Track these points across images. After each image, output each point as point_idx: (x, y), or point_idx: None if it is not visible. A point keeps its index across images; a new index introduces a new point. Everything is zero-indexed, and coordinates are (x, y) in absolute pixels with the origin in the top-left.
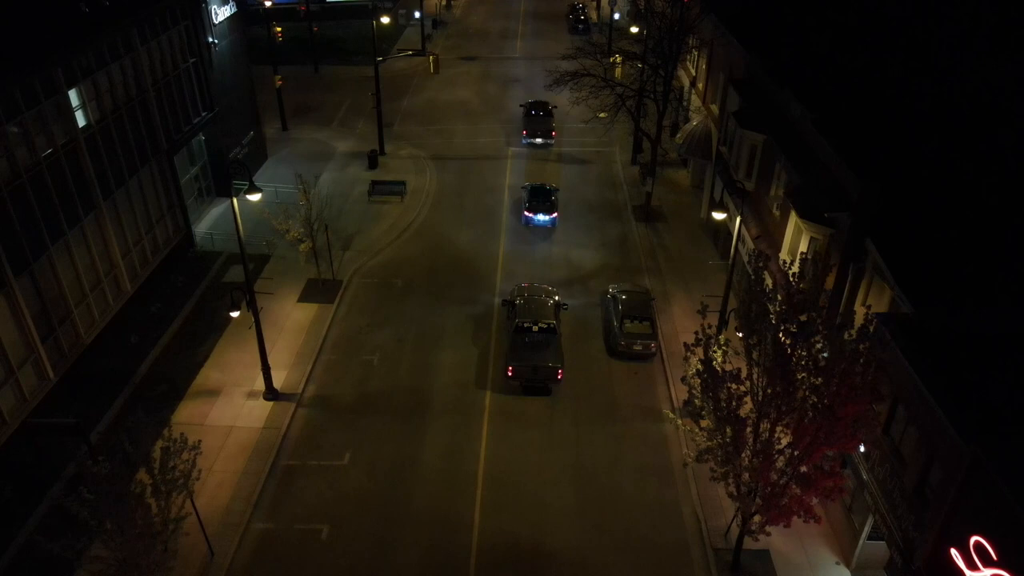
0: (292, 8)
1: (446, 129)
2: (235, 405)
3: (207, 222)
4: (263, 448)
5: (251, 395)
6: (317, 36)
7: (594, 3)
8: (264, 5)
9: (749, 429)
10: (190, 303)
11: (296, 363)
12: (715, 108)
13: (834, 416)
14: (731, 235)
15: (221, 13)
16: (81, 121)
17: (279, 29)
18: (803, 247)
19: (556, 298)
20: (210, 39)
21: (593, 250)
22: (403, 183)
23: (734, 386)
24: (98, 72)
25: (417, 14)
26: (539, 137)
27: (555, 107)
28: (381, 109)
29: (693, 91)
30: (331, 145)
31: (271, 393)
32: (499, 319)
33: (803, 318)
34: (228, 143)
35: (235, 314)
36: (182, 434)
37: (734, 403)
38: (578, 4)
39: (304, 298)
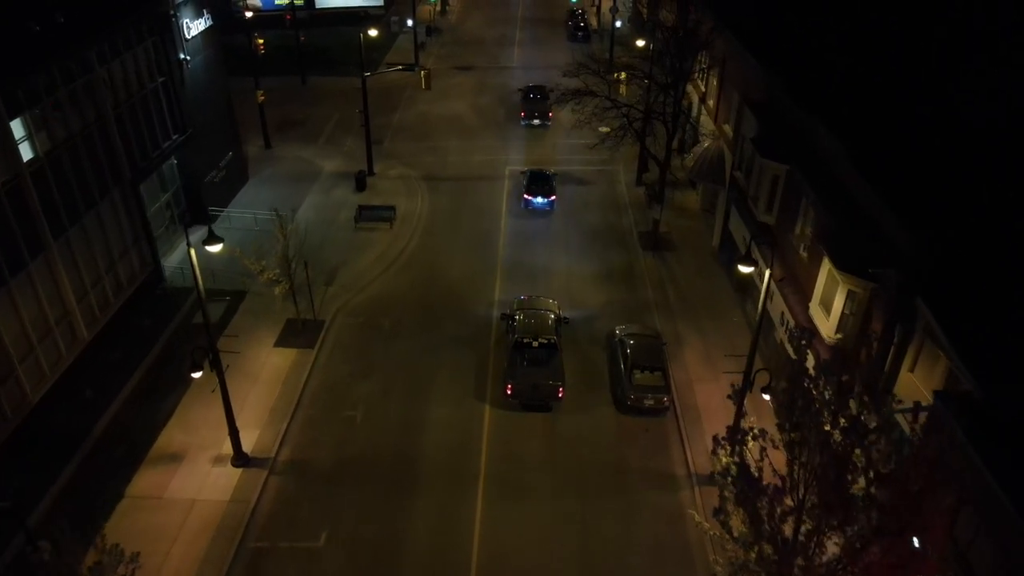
0: (279, 16)
1: (439, 146)
2: (199, 473)
3: (180, 253)
4: (229, 526)
5: (218, 460)
6: (304, 45)
7: (594, 8)
8: (245, 16)
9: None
10: (156, 348)
11: (270, 420)
12: (728, 129)
13: (902, 538)
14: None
15: (194, 27)
16: (27, 154)
17: (261, 41)
18: (839, 302)
19: (557, 312)
20: (181, 56)
21: (597, 283)
22: (392, 208)
23: (779, 507)
24: (48, 98)
25: (410, 22)
26: (536, 119)
27: (552, 90)
28: (369, 126)
29: (703, 108)
30: (317, 164)
31: (240, 459)
32: (495, 368)
33: (854, 405)
34: (203, 166)
35: (197, 375)
36: (117, 545)
37: (777, 521)
38: (577, 10)
39: (282, 341)
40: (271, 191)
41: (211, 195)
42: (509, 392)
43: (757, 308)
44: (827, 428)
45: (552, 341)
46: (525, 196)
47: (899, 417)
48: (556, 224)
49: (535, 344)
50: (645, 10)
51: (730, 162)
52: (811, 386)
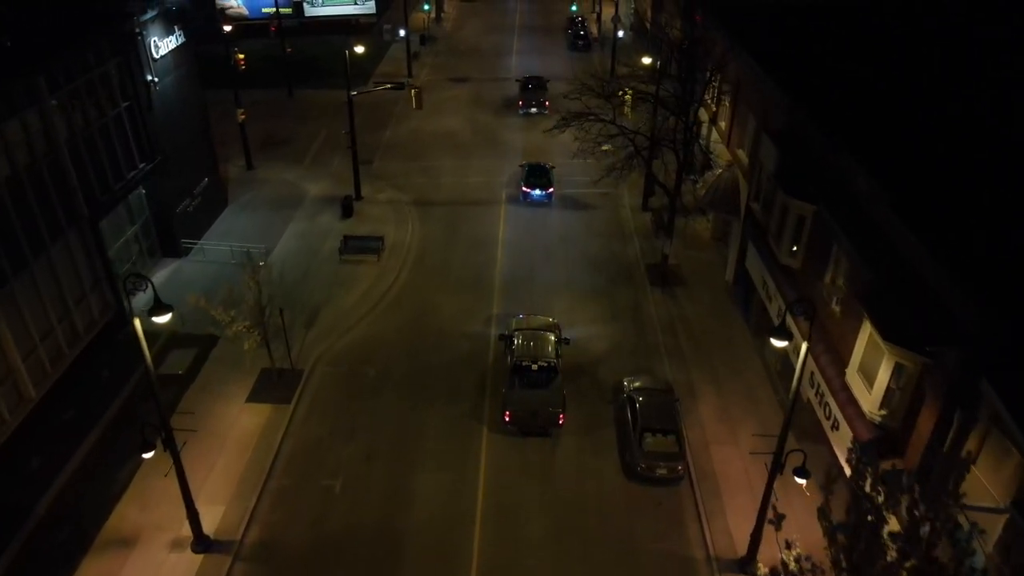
0: (264, 25)
1: (432, 166)
2: (154, 560)
3: (148, 291)
4: None
5: (176, 544)
6: (291, 56)
7: (595, 14)
8: (223, 29)
9: None
10: (115, 405)
11: (237, 494)
12: (743, 155)
13: None
14: (765, 307)
15: (164, 45)
16: None
17: (241, 56)
18: (884, 374)
19: (557, 332)
20: (149, 77)
21: (602, 325)
22: (380, 239)
23: None
24: None
25: (402, 32)
26: (534, 107)
27: (549, 80)
28: (356, 148)
29: (713, 128)
30: (301, 188)
31: (201, 543)
32: (489, 426)
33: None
34: (176, 195)
35: (148, 455)
36: None
37: None
38: (577, 18)
39: (255, 395)
40: (251, 218)
41: (184, 225)
42: (507, 419)
43: (778, 355)
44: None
45: (552, 364)
46: (523, 188)
47: (963, 519)
48: (557, 254)
49: (534, 367)
50: (649, 22)
51: (746, 191)
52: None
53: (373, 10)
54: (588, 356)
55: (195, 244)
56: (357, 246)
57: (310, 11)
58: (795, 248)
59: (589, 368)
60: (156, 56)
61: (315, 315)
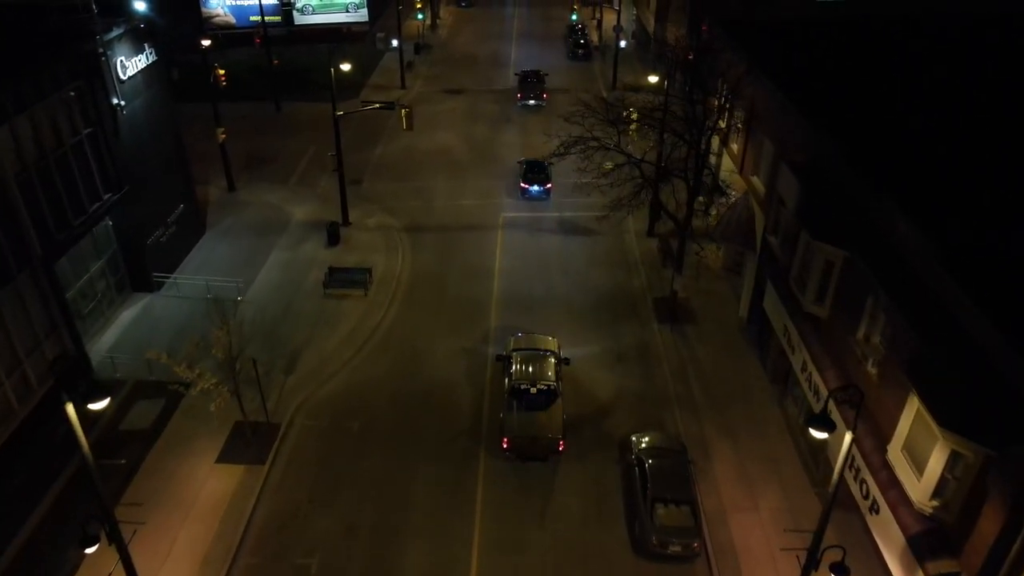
0: (251, 34)
1: (425, 187)
2: None
3: (116, 330)
4: None
5: None
6: (279, 68)
7: (595, 21)
8: (201, 44)
9: None
10: (69, 469)
11: None
12: (758, 183)
13: None
14: (784, 351)
15: (132, 65)
16: None
17: (222, 72)
18: (936, 461)
19: (557, 352)
20: (115, 101)
21: (607, 368)
22: (367, 271)
23: None
24: None
25: (395, 42)
26: (532, 99)
27: (547, 74)
28: (343, 171)
29: (724, 150)
30: (285, 211)
31: None
32: (484, 489)
33: None
34: (147, 225)
35: (91, 550)
36: None
37: None
38: (577, 25)
39: (227, 455)
40: (231, 247)
41: (157, 257)
42: (505, 446)
43: (799, 405)
44: None
45: (552, 387)
46: (521, 184)
47: None
48: (558, 287)
49: (533, 391)
50: (653, 33)
51: (762, 223)
52: None
53: (366, 18)
54: (592, 405)
55: (168, 278)
56: (343, 279)
57: (300, 19)
58: (822, 296)
59: (593, 419)
60: (123, 77)
61: (295, 359)
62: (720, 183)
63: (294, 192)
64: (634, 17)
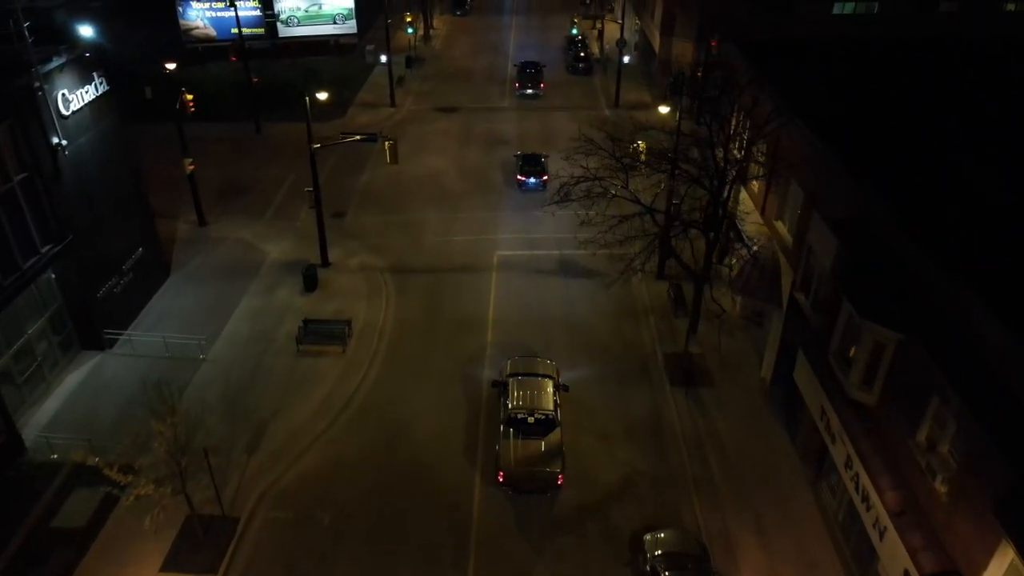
0: (234, 46)
1: (414, 220)
2: None
3: (58, 399)
4: None
5: None
6: (260, 85)
7: (596, 30)
8: (165, 68)
9: None
10: None
11: None
12: (783, 229)
13: None
14: (818, 430)
15: (77, 98)
16: None
17: (190, 97)
18: None
19: (556, 378)
20: (56, 140)
21: (614, 444)
22: (346, 323)
23: None
24: None
25: (384, 58)
26: (530, 88)
27: (545, 65)
28: (321, 210)
29: (742, 188)
30: (260, 250)
31: None
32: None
33: None
34: (97, 276)
35: None
36: None
37: None
38: (577, 37)
39: (173, 561)
40: (196, 293)
41: (110, 311)
42: (501, 480)
43: (838, 495)
44: None
45: (550, 416)
46: (518, 177)
47: None
48: (557, 341)
49: (531, 420)
50: (658, 49)
51: (789, 276)
52: None
53: (354, 30)
54: (599, 491)
55: (120, 335)
56: (319, 332)
57: (285, 32)
58: (870, 381)
59: (600, 510)
60: (66, 113)
61: (261, 432)
62: (739, 228)
63: (270, 226)
64: (637, 27)
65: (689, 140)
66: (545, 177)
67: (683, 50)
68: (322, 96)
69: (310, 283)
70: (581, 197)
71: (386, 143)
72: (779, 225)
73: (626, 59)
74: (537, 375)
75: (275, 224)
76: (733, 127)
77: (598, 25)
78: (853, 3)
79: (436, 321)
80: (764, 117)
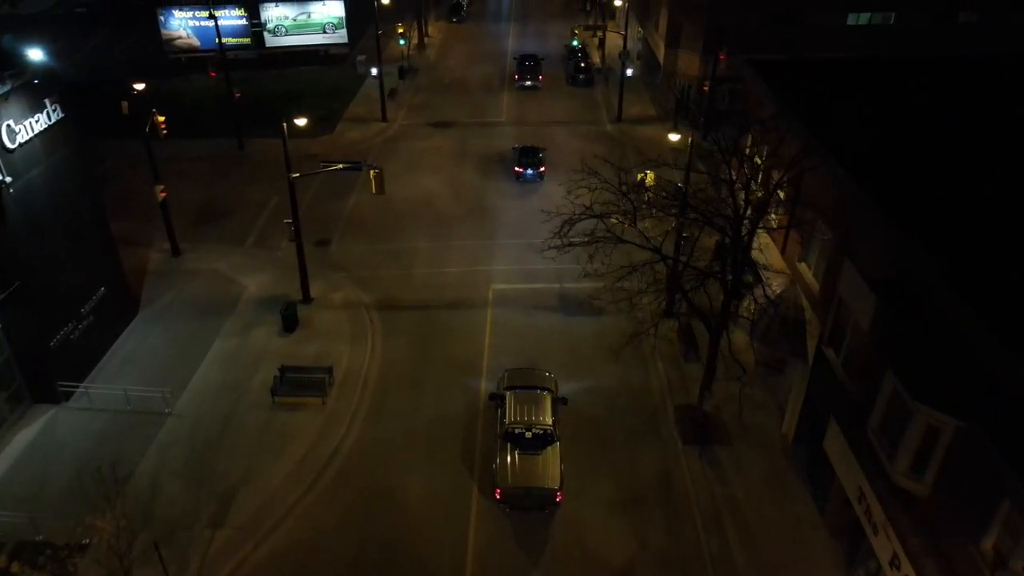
0: (222, 56)
1: (403, 249)
2: None
3: (7, 460)
4: None
5: None
6: (247, 97)
7: (597, 38)
8: (133, 89)
9: None
10: None
11: None
12: (808, 273)
13: None
14: (850, 503)
15: (25, 129)
16: None
17: (162, 119)
18: None
19: (554, 390)
20: None
21: (621, 514)
22: (327, 370)
23: None
24: None
25: (374, 71)
26: (528, 80)
27: (543, 58)
28: (302, 243)
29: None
30: (237, 283)
31: None
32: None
33: None
34: (50, 323)
35: None
36: None
37: None
38: (577, 46)
39: None
40: (165, 335)
41: (66, 359)
42: (498, 498)
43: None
44: None
45: (549, 431)
46: (516, 169)
47: None
48: (560, 390)
49: (528, 435)
50: (663, 60)
51: (816, 327)
52: None
53: (345, 39)
54: (605, 572)
55: (76, 388)
56: (297, 381)
57: (272, 41)
58: (921, 469)
59: None
60: (11, 145)
61: (229, 501)
62: (757, 269)
63: (250, 256)
64: (640, 35)
65: (704, 178)
66: (543, 168)
67: (689, 62)
68: (300, 122)
69: (289, 323)
70: (585, 242)
71: (371, 172)
72: (803, 268)
73: (629, 72)
74: (535, 388)
75: (255, 254)
76: (751, 162)
77: (599, 34)
78: (868, 14)
79: (426, 366)
80: (792, 156)
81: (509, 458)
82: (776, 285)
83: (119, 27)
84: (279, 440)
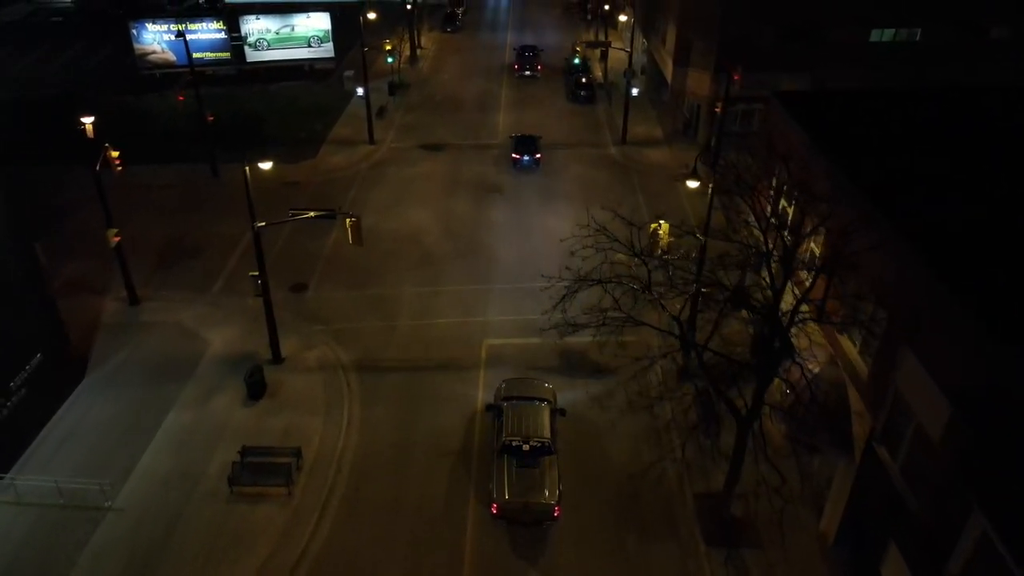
0: (201, 71)
1: (387, 296)
2: None
3: None
4: None
5: None
6: (225, 116)
7: (599, 51)
8: (82, 123)
9: None
10: None
11: None
12: (852, 349)
13: None
14: None
15: None
16: None
17: (116, 154)
18: None
19: (553, 401)
20: None
21: None
22: (295, 452)
23: None
24: None
25: (360, 91)
26: (527, 71)
27: (542, 50)
28: (270, 299)
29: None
30: (200, 339)
31: None
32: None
33: None
34: None
35: None
36: None
37: None
38: (578, 64)
39: None
40: (113, 405)
41: None
42: (495, 512)
43: None
44: None
45: (546, 444)
46: (513, 156)
47: None
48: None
49: (526, 448)
50: (671, 80)
51: (865, 421)
52: None
53: (331, 53)
54: None
55: (2, 478)
56: (259, 467)
57: (253, 56)
58: None
59: None
60: None
61: None
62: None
63: (216, 305)
64: (644, 47)
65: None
66: (539, 156)
67: (699, 82)
68: (265, 166)
69: (255, 390)
70: (594, 324)
71: (348, 220)
72: (845, 342)
73: (635, 91)
74: (533, 399)
75: (221, 302)
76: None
77: (600, 46)
78: (893, 30)
79: (410, 443)
80: (842, 231)
81: (506, 472)
82: (813, 363)
83: (94, 39)
84: (234, 544)
